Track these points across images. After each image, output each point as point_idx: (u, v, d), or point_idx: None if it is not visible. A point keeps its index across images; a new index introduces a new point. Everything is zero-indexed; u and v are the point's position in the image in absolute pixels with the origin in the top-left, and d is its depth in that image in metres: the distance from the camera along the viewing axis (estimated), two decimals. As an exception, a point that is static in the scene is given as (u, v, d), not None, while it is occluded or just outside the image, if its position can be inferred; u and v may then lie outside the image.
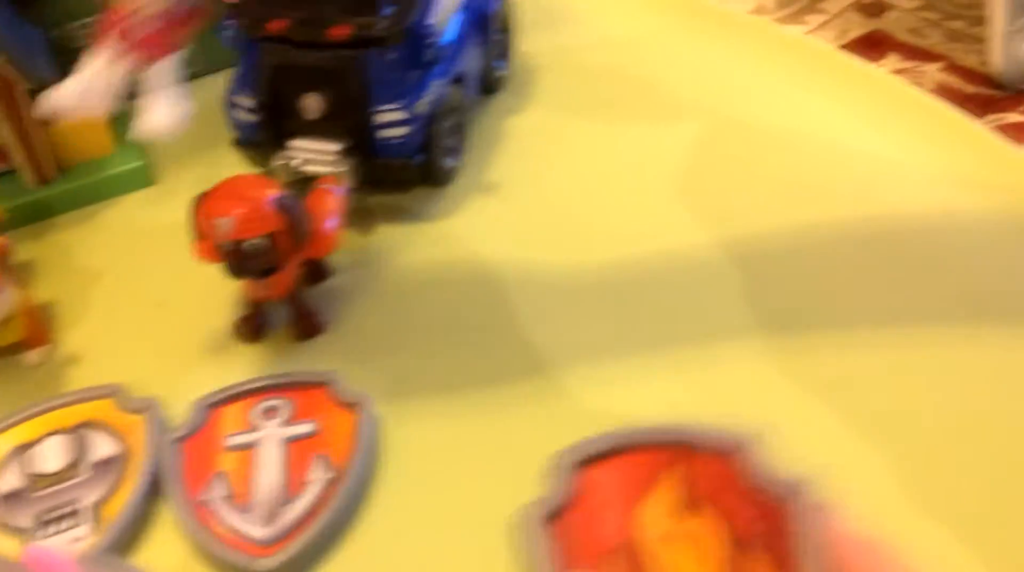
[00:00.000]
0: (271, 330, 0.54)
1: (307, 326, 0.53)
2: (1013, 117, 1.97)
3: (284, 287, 0.51)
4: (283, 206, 0.47)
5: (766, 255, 0.56)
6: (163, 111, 0.46)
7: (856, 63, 0.71)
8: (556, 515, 0.39)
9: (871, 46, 2.13)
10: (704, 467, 0.39)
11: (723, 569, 0.36)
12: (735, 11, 0.78)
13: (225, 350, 0.53)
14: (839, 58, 0.72)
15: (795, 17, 2.17)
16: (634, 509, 0.39)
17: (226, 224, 0.45)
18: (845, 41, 2.11)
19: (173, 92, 0.45)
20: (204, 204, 0.47)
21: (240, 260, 0.46)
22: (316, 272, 0.55)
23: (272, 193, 0.47)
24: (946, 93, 2.00)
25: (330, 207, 0.53)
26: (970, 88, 2.08)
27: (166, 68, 0.45)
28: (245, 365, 0.52)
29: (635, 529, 0.38)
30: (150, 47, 0.44)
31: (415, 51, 0.55)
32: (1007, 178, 0.58)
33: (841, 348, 0.50)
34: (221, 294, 0.55)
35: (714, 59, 0.72)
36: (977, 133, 0.63)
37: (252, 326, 0.53)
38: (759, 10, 2.17)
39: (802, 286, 0.53)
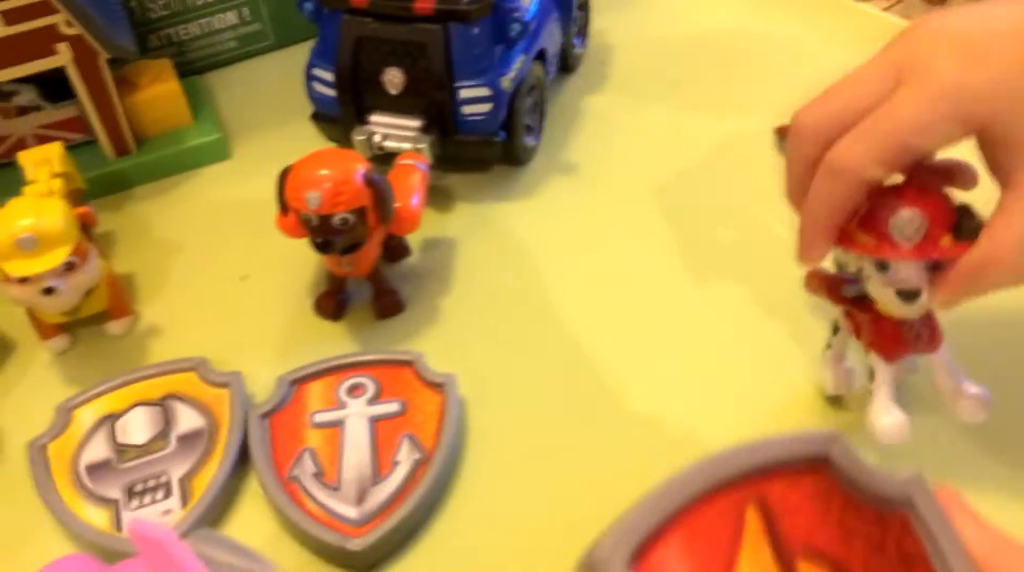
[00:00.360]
0: (352, 308, 0.53)
1: (388, 304, 0.52)
2: None
3: (367, 264, 0.50)
4: (371, 181, 0.46)
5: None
6: (890, 416, 0.40)
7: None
8: None
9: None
10: (786, 499, 0.27)
11: None
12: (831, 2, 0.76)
13: (306, 326, 0.53)
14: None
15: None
16: None
17: (315, 198, 0.45)
18: None
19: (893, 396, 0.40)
20: (291, 177, 0.46)
21: (327, 235, 0.46)
22: (396, 250, 0.55)
23: (361, 168, 0.46)
24: None
25: (413, 184, 0.52)
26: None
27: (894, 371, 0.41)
28: (326, 342, 0.51)
29: None
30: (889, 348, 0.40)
31: (499, 26, 0.54)
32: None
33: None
34: (301, 269, 0.55)
35: (794, 39, 0.71)
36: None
37: (334, 303, 0.52)
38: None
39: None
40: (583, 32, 0.69)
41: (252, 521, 0.44)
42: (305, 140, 0.61)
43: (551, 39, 0.61)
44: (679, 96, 0.67)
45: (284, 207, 0.47)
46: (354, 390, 0.47)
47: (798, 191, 0.38)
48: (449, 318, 0.53)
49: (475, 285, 0.54)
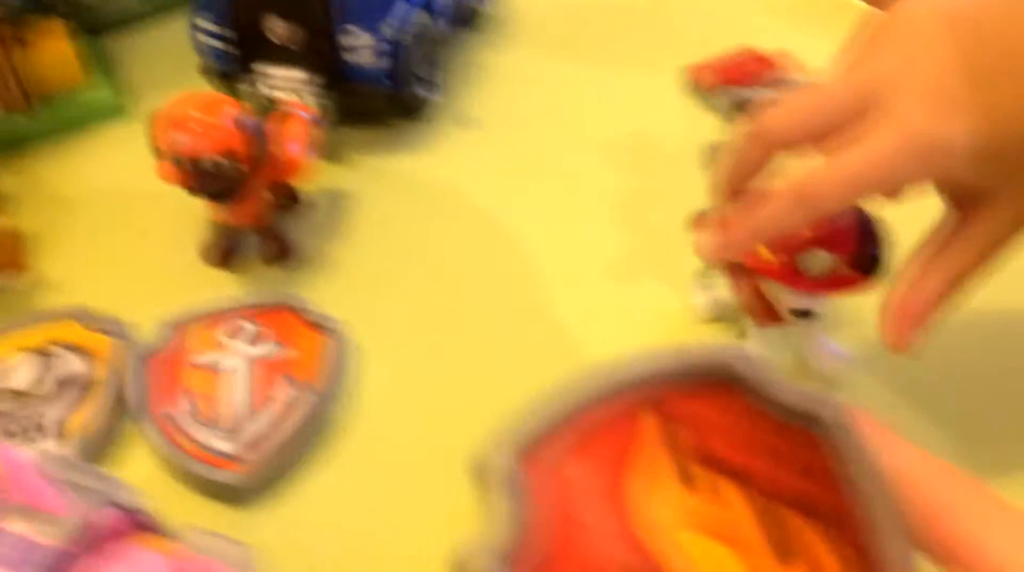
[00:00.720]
0: (242, 256, 0.53)
1: (277, 251, 0.53)
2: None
3: (252, 212, 0.51)
4: (242, 124, 0.47)
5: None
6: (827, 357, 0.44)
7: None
8: (518, 550, 0.23)
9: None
10: (687, 408, 0.26)
11: (755, 551, 0.24)
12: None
13: (200, 275, 0.53)
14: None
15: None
16: (617, 501, 0.26)
17: (182, 139, 0.45)
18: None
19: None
20: (159, 119, 0.46)
21: (198, 179, 0.46)
22: (287, 198, 0.55)
23: (230, 110, 0.47)
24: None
25: (296, 131, 0.52)
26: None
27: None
28: (220, 290, 0.52)
29: (627, 531, 0.25)
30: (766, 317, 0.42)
31: (381, -27, 0.55)
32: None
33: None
34: (199, 222, 0.55)
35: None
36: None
37: (220, 251, 0.53)
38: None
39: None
40: (485, -12, 0.70)
41: (132, 461, 0.44)
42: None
43: (442, -9, 0.62)
44: (587, 52, 0.67)
45: (158, 152, 0.48)
46: (235, 333, 0.48)
47: (735, 184, 0.38)
48: (342, 266, 0.53)
49: (371, 235, 0.55)
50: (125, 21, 0.72)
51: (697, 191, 0.43)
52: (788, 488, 0.24)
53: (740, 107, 0.38)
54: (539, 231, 0.55)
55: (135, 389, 0.45)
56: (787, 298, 0.40)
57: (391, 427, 0.45)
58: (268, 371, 0.46)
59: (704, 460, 0.25)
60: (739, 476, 0.25)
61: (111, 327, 0.48)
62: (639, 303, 0.50)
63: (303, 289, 0.51)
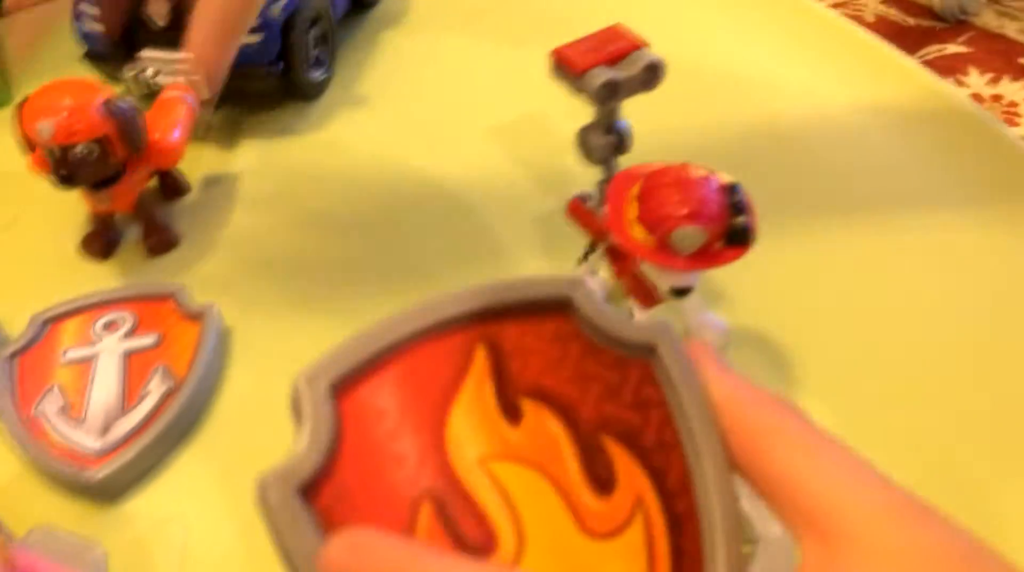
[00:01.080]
0: (122, 246, 0.52)
1: (158, 241, 0.51)
2: (952, 48, 1.98)
3: (129, 200, 0.49)
4: (112, 110, 0.45)
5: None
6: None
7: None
8: (319, 479, 0.23)
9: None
10: (520, 341, 0.25)
11: (571, 482, 0.24)
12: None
13: (75, 268, 0.51)
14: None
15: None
16: (436, 435, 0.24)
17: (48, 128, 0.43)
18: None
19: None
20: (26, 108, 0.45)
21: (67, 168, 0.44)
22: (170, 186, 0.53)
23: (100, 96, 0.45)
24: (886, 26, 2.01)
25: (176, 116, 0.51)
26: (910, 20, 2.08)
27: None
28: (96, 281, 0.50)
29: (441, 461, 0.24)
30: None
31: (264, -47, 0.53)
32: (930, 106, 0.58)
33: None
34: (74, 212, 0.53)
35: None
36: (905, 66, 0.62)
37: (100, 242, 0.51)
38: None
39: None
40: (380, -33, 0.69)
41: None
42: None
43: (334, -30, 0.60)
44: (476, 28, 0.66)
45: (25, 142, 0.46)
46: (110, 325, 0.46)
47: None
48: (225, 251, 0.52)
49: (254, 219, 0.54)
50: (15, 7, 0.70)
51: (576, 174, 0.43)
52: (617, 420, 0.24)
53: (608, 89, 0.37)
54: (422, 213, 0.53)
55: (4, 387, 0.43)
56: (665, 278, 0.39)
57: (265, 416, 0.44)
58: (143, 364, 0.44)
59: (532, 393, 0.25)
60: (566, 409, 0.24)
61: (-17, 322, 0.46)
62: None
63: (181, 276, 0.50)
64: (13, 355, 0.45)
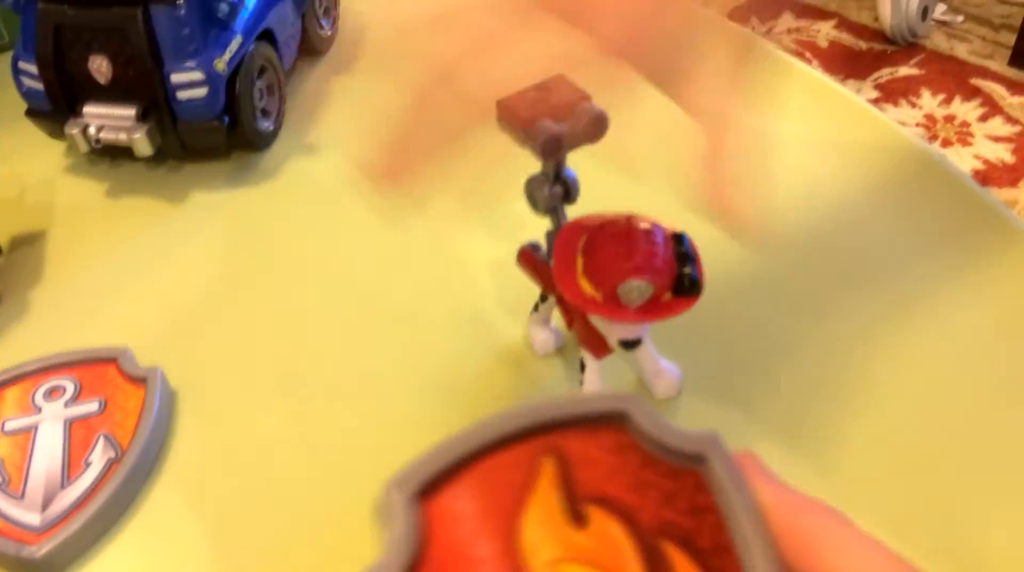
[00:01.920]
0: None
1: None
2: (904, 71, 2.01)
3: None
4: None
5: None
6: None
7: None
8: None
9: (767, 6, 2.16)
10: (583, 452, 0.28)
11: None
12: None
13: (8, 331, 0.50)
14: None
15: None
16: (510, 540, 0.27)
17: None
18: (740, 2, 2.13)
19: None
20: None
21: None
22: None
23: None
24: (839, 50, 2.04)
25: None
26: (862, 44, 2.12)
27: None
28: (32, 345, 0.48)
29: (515, 564, 0.26)
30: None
31: (206, 6, 0.53)
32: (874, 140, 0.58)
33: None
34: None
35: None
36: (848, 101, 0.62)
37: None
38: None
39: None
40: (330, 13, 0.68)
41: (-65, 541, 0.41)
42: (27, 138, 0.58)
43: (281, 20, 0.60)
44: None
45: None
46: (52, 393, 0.45)
47: None
48: (169, 311, 0.50)
49: (200, 276, 0.52)
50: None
51: (526, 224, 0.42)
52: (674, 525, 0.26)
53: (553, 143, 0.36)
54: (374, 264, 0.53)
55: (-64, 463, 0.41)
56: (614, 330, 0.39)
57: (213, 483, 0.43)
58: (87, 432, 0.43)
59: (596, 500, 0.27)
60: (628, 515, 0.26)
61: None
62: (481, 339, 0.48)
63: (130, 339, 0.48)
64: (-50, 427, 0.43)
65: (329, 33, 0.68)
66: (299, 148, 0.60)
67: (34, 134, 0.58)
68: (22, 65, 0.54)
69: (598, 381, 0.41)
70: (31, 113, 0.56)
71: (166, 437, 0.44)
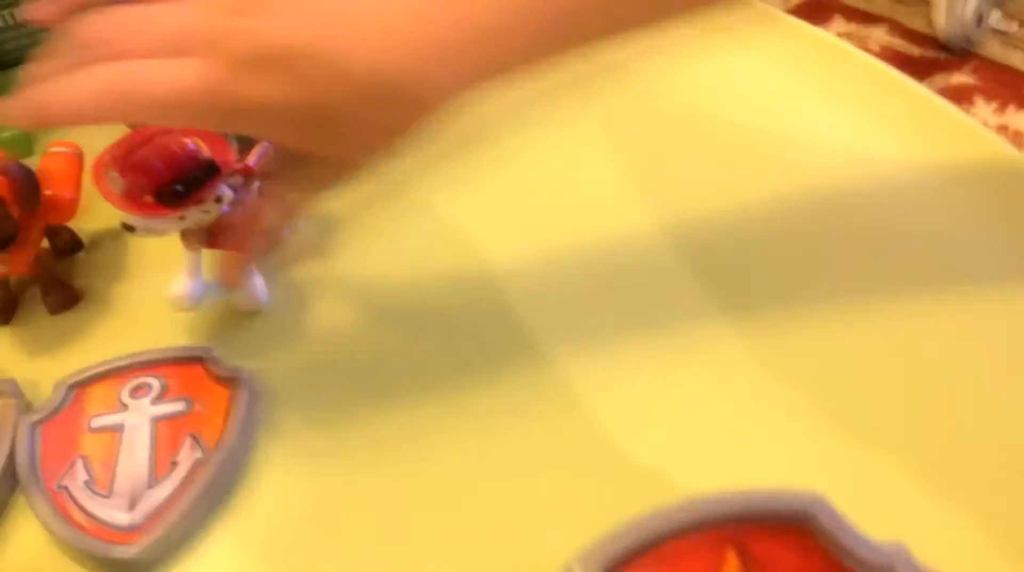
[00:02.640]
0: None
1: (59, 299, 0.50)
2: (958, 78, 1.98)
3: (26, 261, 0.48)
4: (7, 170, 0.45)
5: (717, 237, 0.52)
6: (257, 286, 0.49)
7: (800, 26, 0.68)
8: None
9: (817, 10, 2.14)
10: (767, 550, 0.28)
11: None
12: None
13: (96, 329, 0.50)
14: (784, 21, 0.69)
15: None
16: None
17: None
18: (791, 5, 2.11)
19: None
20: None
21: None
22: (64, 242, 0.53)
23: None
24: (891, 56, 2.01)
25: (67, 171, 0.50)
26: (915, 50, 2.08)
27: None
28: (113, 342, 0.48)
29: None
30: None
31: None
32: (951, 140, 0.56)
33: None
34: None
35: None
36: (923, 97, 0.60)
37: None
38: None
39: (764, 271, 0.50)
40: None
41: (20, 537, 0.41)
42: (103, 129, 0.58)
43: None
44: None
45: None
46: (138, 390, 0.44)
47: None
48: (254, 316, 0.50)
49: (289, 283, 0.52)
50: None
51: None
52: None
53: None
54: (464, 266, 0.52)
55: (25, 459, 0.41)
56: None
57: (299, 485, 0.42)
58: (173, 431, 0.43)
59: None
60: None
61: (5, 388, 0.45)
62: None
63: (213, 340, 0.48)
64: (36, 424, 0.43)
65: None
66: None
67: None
68: None
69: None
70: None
71: (252, 438, 0.43)
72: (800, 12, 2.13)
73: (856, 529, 0.27)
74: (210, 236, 0.46)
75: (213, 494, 0.41)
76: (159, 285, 0.50)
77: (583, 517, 0.32)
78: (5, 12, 0.67)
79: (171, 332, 0.49)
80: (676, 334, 0.47)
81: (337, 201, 0.43)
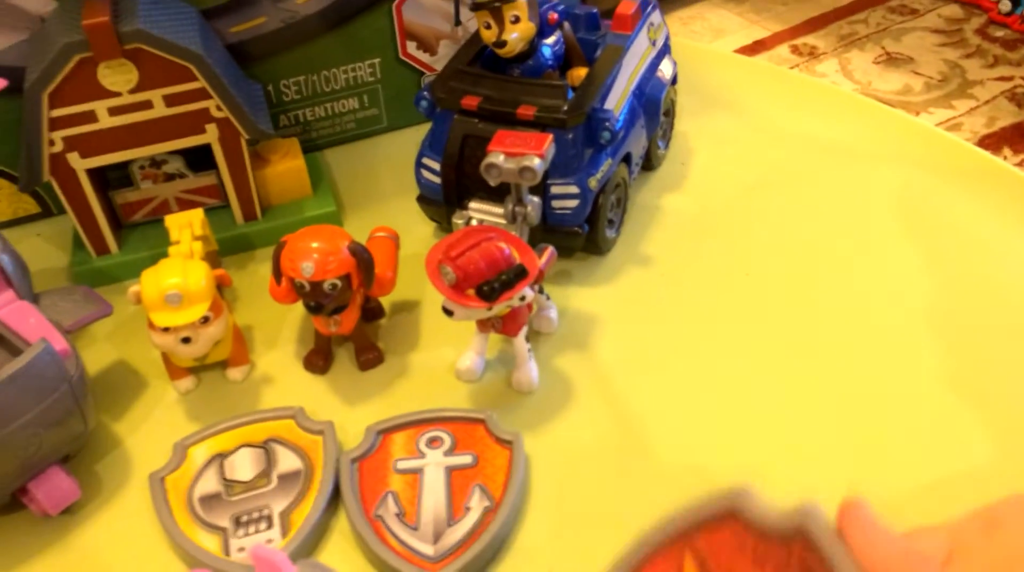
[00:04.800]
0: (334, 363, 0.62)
1: (369, 358, 0.61)
2: None
3: (350, 324, 0.58)
4: (356, 252, 0.55)
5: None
6: (530, 370, 0.58)
7: (992, 159, 0.75)
8: None
9: (1021, 136, 2.11)
10: (711, 546, 0.35)
11: None
12: (897, 114, 0.82)
13: (392, 385, 0.60)
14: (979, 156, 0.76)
15: (943, 101, 2.16)
16: None
17: (309, 267, 0.53)
18: (994, 129, 2.10)
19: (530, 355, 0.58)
20: (287, 250, 0.55)
21: (317, 298, 0.54)
22: (372, 311, 0.63)
23: (345, 241, 0.55)
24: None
25: (389, 254, 0.60)
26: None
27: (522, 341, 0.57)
28: (410, 399, 0.58)
29: None
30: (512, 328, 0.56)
31: (591, 133, 0.61)
32: None
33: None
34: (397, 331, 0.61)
35: (872, 161, 0.76)
36: None
37: (321, 359, 0.60)
38: (905, 91, 2.18)
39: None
40: (667, 135, 0.76)
41: (341, 554, 0.50)
42: (408, 215, 0.69)
43: (637, 143, 0.68)
44: (750, 198, 0.72)
45: (278, 276, 0.56)
46: (432, 442, 0.53)
47: None
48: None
49: (554, 353, 0.61)
50: (343, 141, 0.81)
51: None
52: None
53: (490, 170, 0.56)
54: (702, 372, 0.59)
55: (350, 489, 0.51)
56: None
57: (561, 537, 0.50)
58: (464, 481, 0.51)
59: None
60: None
61: (323, 428, 0.55)
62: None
63: (476, 402, 0.57)
64: (355, 460, 0.53)
65: (663, 152, 0.76)
66: (634, 256, 0.68)
67: (410, 214, 0.69)
68: (426, 161, 0.64)
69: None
70: (422, 199, 0.67)
71: (526, 495, 0.52)
72: (1002, 136, 2.10)
73: (773, 507, 0.33)
74: (502, 324, 0.55)
75: (500, 537, 0.49)
76: (446, 356, 0.60)
77: None
78: (327, 104, 0.78)
79: (456, 395, 0.58)
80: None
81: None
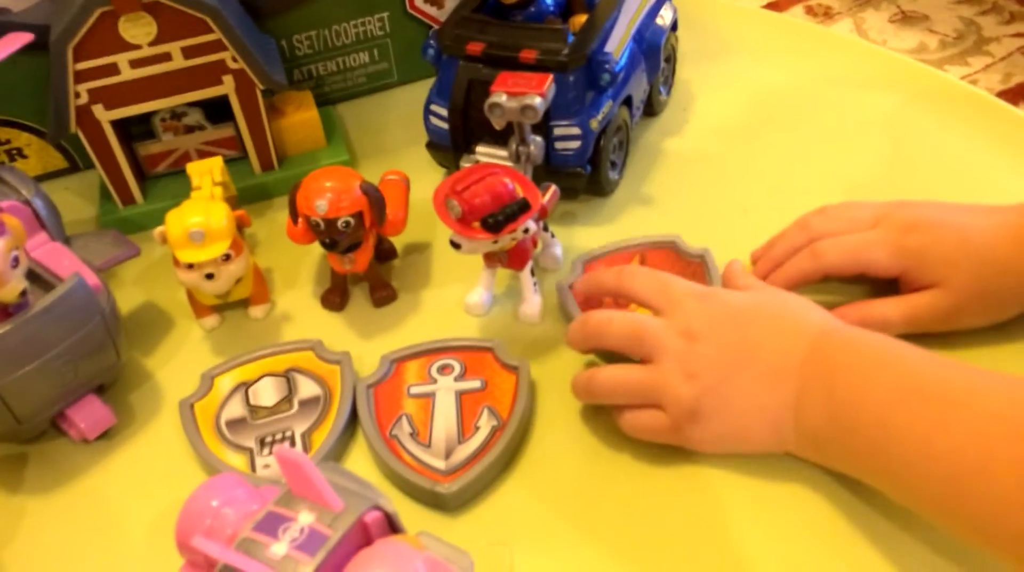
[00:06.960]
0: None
1: (383, 296, 0.64)
2: None
3: (364, 262, 0.61)
4: (367, 191, 0.57)
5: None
6: (535, 303, 0.61)
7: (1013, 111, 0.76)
8: None
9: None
10: (652, 257, 0.60)
11: None
12: (895, 55, 0.84)
13: (404, 319, 0.63)
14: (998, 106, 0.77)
15: (958, 58, 2.16)
16: None
17: (323, 205, 0.56)
18: (1010, 85, 2.10)
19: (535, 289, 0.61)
20: (302, 190, 0.57)
21: (332, 235, 0.57)
22: (385, 251, 0.66)
23: (356, 180, 0.57)
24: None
25: (399, 195, 0.63)
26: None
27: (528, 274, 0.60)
28: (422, 331, 0.61)
29: None
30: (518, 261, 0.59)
31: (592, 75, 0.64)
32: None
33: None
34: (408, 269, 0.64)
35: (869, 100, 0.78)
36: None
37: (337, 297, 0.64)
38: (920, 49, 2.18)
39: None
40: (668, 82, 0.78)
41: (359, 470, 0.53)
42: (418, 163, 0.72)
43: (637, 87, 0.70)
44: (751, 142, 0.75)
45: (295, 216, 0.58)
46: (444, 369, 0.57)
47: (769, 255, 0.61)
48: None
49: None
50: (355, 95, 0.83)
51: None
52: None
53: (494, 109, 0.59)
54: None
55: (366, 411, 0.54)
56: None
57: (571, 456, 0.53)
58: (473, 403, 0.54)
59: None
60: None
61: (340, 358, 0.58)
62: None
63: (500, 337, 0.60)
64: (370, 386, 0.56)
65: (665, 98, 0.78)
66: (636, 197, 0.70)
67: (420, 162, 0.72)
68: (434, 108, 0.67)
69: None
70: (431, 146, 0.70)
71: (532, 416, 0.55)
72: (1018, 92, 2.10)
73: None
74: (508, 258, 0.58)
75: (507, 453, 0.52)
76: (456, 292, 0.63)
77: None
78: (339, 58, 0.81)
79: (466, 328, 0.61)
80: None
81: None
